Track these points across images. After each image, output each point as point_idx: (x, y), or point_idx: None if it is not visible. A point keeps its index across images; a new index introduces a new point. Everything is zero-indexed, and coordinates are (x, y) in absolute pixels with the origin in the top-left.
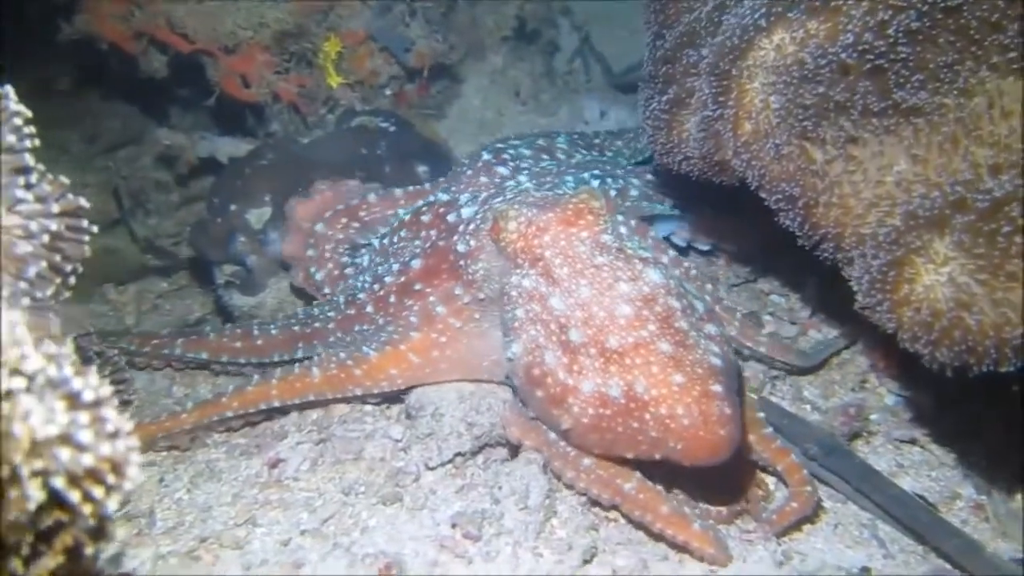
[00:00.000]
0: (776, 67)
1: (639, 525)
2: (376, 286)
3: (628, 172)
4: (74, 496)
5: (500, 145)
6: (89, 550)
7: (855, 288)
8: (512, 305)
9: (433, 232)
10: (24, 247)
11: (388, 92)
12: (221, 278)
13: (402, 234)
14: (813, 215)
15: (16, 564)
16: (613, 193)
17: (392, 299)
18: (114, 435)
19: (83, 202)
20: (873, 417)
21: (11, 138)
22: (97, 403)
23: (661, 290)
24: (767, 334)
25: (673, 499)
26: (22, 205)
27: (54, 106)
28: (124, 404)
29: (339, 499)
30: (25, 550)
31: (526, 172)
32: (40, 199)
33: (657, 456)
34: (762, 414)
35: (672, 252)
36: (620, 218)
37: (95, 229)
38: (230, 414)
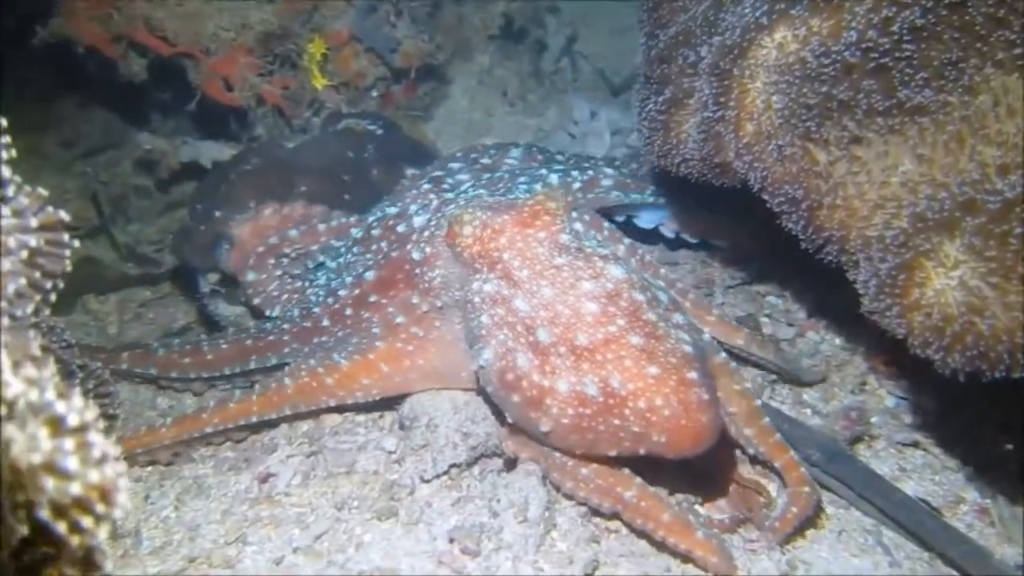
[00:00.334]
0: (778, 66)
1: (641, 534)
2: (331, 299)
3: (602, 163)
4: (61, 527)
5: (438, 173)
6: None
7: (861, 292)
8: (476, 312)
9: (384, 244)
10: (2, 264)
11: (374, 94)
12: (206, 286)
13: (355, 251)
14: (817, 217)
15: None
16: (577, 185)
17: (348, 312)
18: (101, 461)
19: (63, 215)
20: (874, 420)
21: None
22: (83, 428)
23: (624, 285)
24: (717, 315)
25: (675, 507)
26: None
27: (29, 110)
28: (109, 418)
29: (332, 514)
30: None
31: (471, 186)
32: (17, 213)
33: (641, 451)
34: (758, 402)
35: (627, 241)
36: (574, 214)
37: (76, 243)
38: (210, 430)
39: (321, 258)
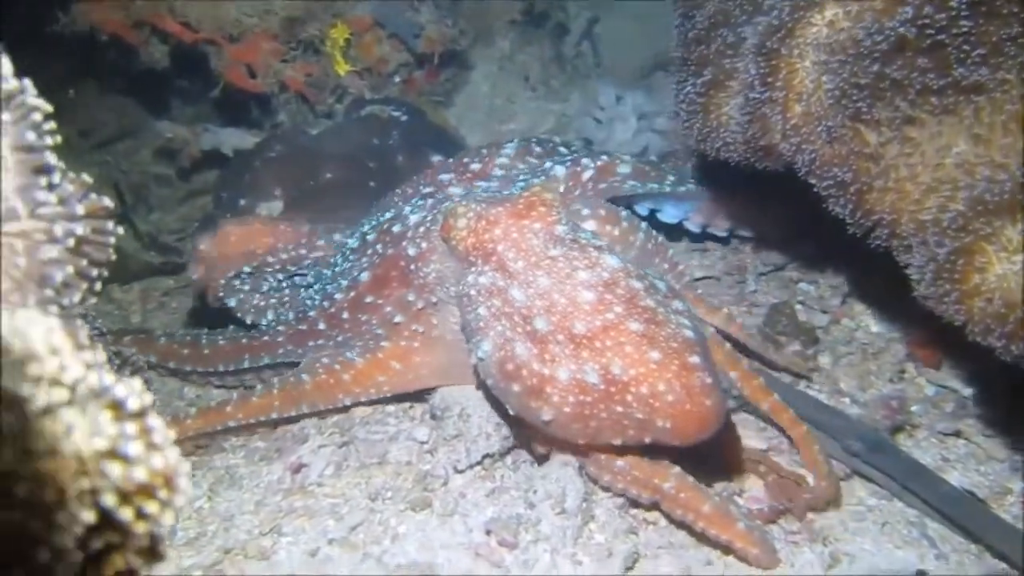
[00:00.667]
0: (829, 45)
1: (680, 524)
2: (326, 303)
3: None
4: (126, 515)
5: (430, 190)
6: (143, 573)
7: (915, 277)
8: (473, 305)
9: (379, 246)
10: (49, 252)
11: (397, 79)
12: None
13: (351, 258)
14: (866, 201)
15: None
16: (589, 174)
17: (345, 315)
18: (163, 445)
19: (107, 202)
20: (914, 409)
21: (31, 135)
22: (143, 412)
23: (621, 273)
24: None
25: (715, 497)
26: (45, 208)
27: (46, 98)
28: None
29: (366, 505)
30: None
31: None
32: (63, 200)
33: (647, 440)
34: (728, 345)
35: (643, 226)
36: (580, 206)
37: (120, 230)
38: (233, 424)
39: (310, 273)
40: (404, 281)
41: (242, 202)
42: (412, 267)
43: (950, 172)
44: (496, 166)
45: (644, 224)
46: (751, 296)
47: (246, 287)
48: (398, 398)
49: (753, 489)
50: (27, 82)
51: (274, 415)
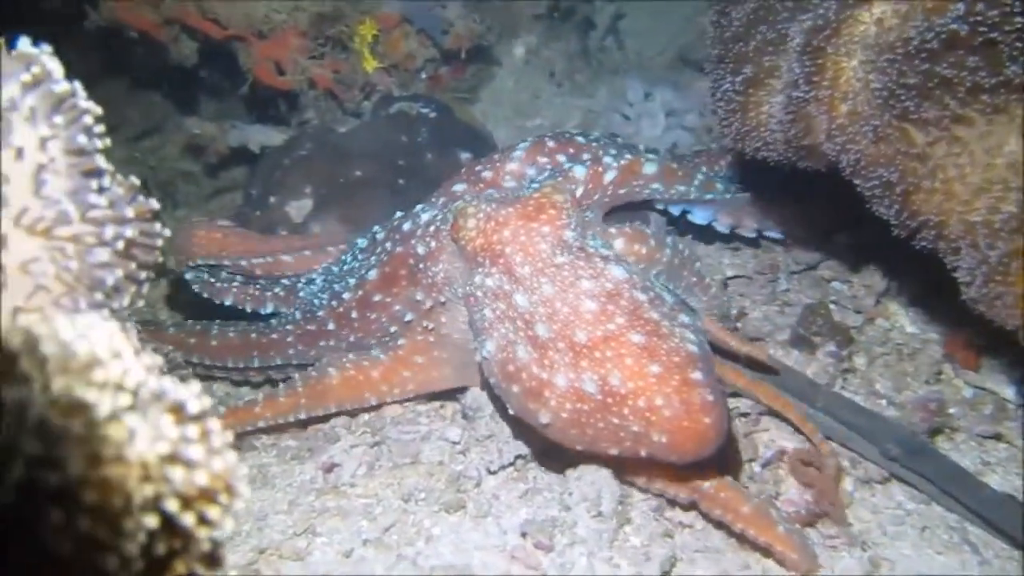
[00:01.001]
0: (877, 44)
1: (719, 525)
2: (334, 302)
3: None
4: (188, 520)
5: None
6: None
7: (963, 280)
8: (479, 305)
9: (388, 243)
10: (100, 255)
11: (423, 76)
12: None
13: (360, 257)
14: (912, 202)
15: None
16: (610, 176)
17: (354, 315)
18: (222, 449)
19: (154, 204)
20: (952, 411)
21: (82, 139)
22: (203, 415)
23: (625, 285)
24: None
25: (755, 499)
26: (95, 211)
27: None
28: None
29: (399, 506)
30: None
31: None
32: (113, 203)
33: (643, 453)
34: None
35: (670, 240)
36: (590, 214)
37: (168, 232)
38: (262, 424)
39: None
40: (412, 280)
41: (272, 200)
42: (421, 266)
43: (1001, 172)
44: (506, 173)
45: (671, 239)
46: (783, 295)
47: (204, 275)
48: (428, 397)
49: (790, 491)
50: (77, 84)
51: (302, 415)
